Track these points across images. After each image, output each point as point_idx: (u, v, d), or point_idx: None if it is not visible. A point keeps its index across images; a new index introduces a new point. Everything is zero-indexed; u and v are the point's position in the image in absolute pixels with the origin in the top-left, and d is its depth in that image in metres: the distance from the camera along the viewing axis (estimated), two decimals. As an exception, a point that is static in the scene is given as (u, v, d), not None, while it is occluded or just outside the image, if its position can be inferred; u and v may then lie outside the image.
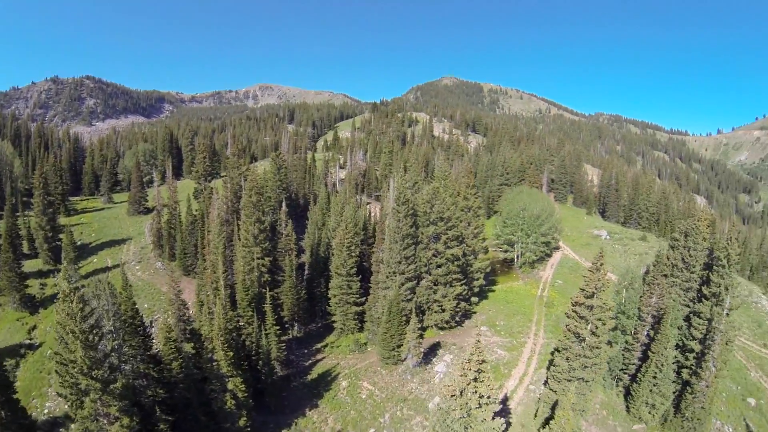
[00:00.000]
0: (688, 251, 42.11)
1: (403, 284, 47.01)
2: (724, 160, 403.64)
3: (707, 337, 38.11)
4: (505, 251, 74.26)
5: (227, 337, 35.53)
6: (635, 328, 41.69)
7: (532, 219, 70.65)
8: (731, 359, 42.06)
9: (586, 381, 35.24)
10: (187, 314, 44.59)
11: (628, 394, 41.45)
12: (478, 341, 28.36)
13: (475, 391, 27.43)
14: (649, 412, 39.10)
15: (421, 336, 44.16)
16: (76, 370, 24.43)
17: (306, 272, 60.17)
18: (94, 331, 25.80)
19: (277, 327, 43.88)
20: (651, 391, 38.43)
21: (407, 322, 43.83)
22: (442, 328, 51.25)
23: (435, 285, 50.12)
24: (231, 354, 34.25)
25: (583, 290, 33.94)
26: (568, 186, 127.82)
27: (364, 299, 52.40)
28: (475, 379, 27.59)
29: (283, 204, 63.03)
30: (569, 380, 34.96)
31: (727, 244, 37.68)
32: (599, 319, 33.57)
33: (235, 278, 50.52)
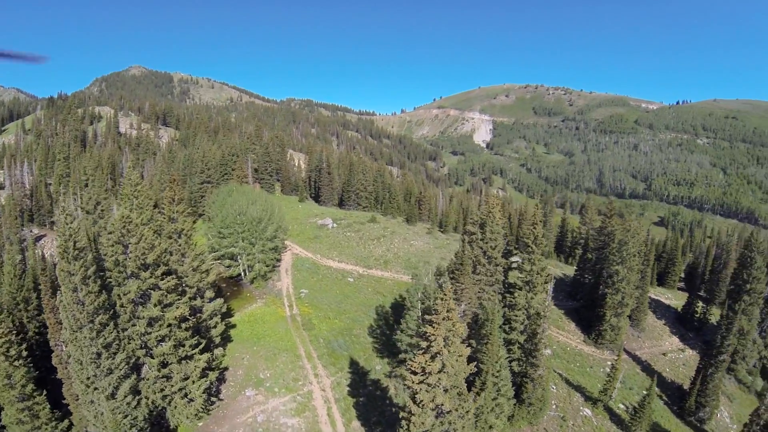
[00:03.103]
0: (488, 244, 39.30)
1: (117, 388, 29.12)
2: (409, 135, 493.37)
3: (528, 325, 36.39)
4: (228, 266, 61.75)
5: None
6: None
7: (254, 224, 60.23)
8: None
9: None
10: None
11: (466, 408, 38.16)
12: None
13: None
14: (497, 417, 36.73)
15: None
16: None
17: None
18: None
19: None
20: (494, 399, 35.64)
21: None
22: (199, 418, 36.03)
23: (165, 367, 33.49)
24: None
25: (426, 350, 25.20)
26: (274, 174, 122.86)
27: (68, 424, 31.37)
28: None
29: None
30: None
31: (533, 228, 35.31)
32: (456, 374, 25.95)
33: None
